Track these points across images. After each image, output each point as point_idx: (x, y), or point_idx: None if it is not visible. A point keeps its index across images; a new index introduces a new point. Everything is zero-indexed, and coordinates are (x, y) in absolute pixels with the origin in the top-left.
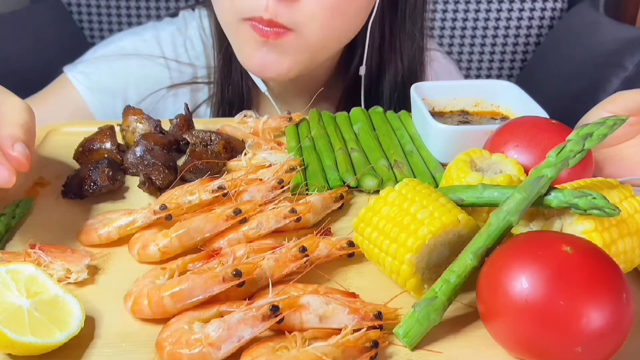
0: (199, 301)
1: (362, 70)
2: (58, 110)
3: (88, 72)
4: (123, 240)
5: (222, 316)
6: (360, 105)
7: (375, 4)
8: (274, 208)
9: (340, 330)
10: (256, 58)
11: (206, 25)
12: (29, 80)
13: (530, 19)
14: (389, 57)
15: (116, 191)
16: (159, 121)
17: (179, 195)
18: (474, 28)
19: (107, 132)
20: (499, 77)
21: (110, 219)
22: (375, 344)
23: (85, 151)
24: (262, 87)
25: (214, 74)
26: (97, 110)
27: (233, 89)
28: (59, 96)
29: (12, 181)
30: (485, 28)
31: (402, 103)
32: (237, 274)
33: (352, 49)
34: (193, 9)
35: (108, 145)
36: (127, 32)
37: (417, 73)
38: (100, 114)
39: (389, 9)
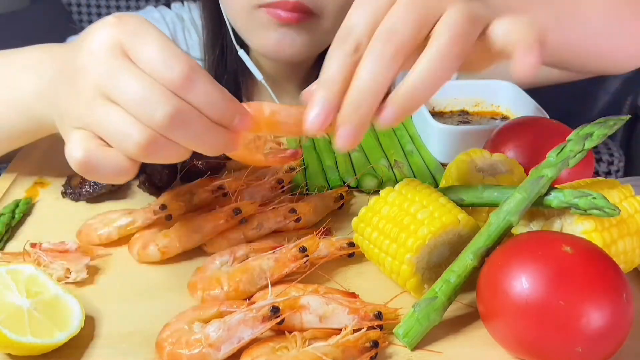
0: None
1: None
2: None
3: None
4: (123, 240)
5: (222, 316)
6: None
7: None
8: (274, 208)
9: (340, 330)
10: (272, 39)
11: (196, 18)
12: None
13: None
14: None
15: (116, 191)
16: None
17: (179, 195)
18: None
19: None
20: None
21: (110, 219)
22: (375, 344)
23: None
24: (259, 76)
25: (207, 69)
26: None
27: (228, 80)
28: None
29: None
30: None
31: None
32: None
33: None
34: (182, 3)
35: None
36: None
37: None
38: None
39: None
